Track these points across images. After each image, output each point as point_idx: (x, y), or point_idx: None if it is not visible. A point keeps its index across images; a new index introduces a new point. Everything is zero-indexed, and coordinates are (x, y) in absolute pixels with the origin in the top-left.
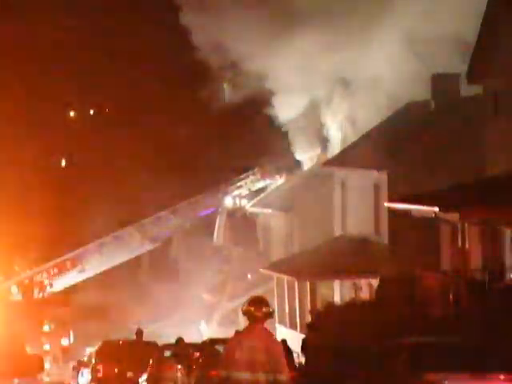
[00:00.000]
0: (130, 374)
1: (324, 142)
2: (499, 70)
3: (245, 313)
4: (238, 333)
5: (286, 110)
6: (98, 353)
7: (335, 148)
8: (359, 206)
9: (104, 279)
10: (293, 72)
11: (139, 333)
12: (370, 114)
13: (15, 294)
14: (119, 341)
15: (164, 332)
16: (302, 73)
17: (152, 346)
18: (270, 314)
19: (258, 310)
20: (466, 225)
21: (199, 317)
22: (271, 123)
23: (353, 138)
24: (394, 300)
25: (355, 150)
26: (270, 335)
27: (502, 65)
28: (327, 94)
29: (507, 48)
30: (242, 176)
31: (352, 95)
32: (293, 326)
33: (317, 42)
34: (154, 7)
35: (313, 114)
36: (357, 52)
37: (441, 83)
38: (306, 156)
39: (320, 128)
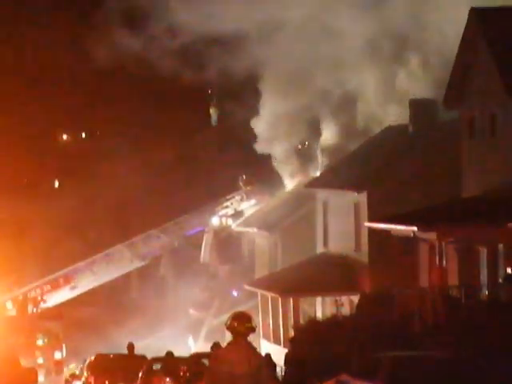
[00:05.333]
0: None
1: (306, 163)
2: (474, 96)
3: (228, 328)
4: (219, 346)
5: (269, 132)
6: (90, 366)
7: (317, 169)
8: (340, 225)
9: (96, 295)
10: (276, 94)
11: (130, 346)
12: (351, 136)
13: (10, 309)
14: (110, 354)
15: (153, 346)
16: (285, 94)
17: (142, 359)
18: (253, 329)
19: (240, 324)
20: (444, 243)
21: (187, 332)
22: (256, 145)
23: (334, 159)
24: (374, 316)
25: (336, 171)
26: (253, 349)
27: (477, 91)
28: (310, 116)
29: (481, 75)
30: (228, 196)
31: (334, 117)
32: (276, 341)
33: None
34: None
35: (296, 136)
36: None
37: (419, 108)
38: (289, 177)
39: (303, 149)
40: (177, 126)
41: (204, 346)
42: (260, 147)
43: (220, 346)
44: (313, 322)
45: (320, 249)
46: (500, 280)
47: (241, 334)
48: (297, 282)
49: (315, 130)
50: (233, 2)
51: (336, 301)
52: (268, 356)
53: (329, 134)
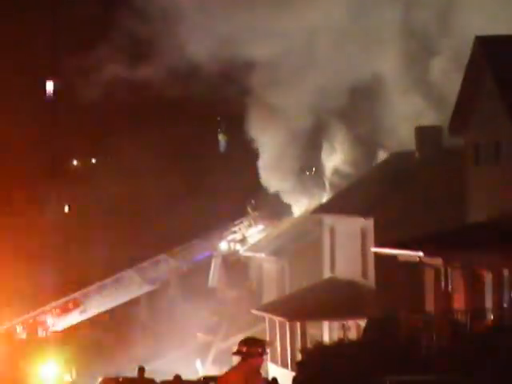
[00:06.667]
0: None
1: (314, 189)
2: (479, 123)
3: (236, 353)
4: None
5: (275, 161)
6: None
7: (324, 195)
8: (347, 251)
9: (104, 318)
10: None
11: (141, 370)
12: (358, 162)
13: (20, 332)
14: (119, 377)
15: (161, 369)
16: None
17: (150, 382)
18: (252, 353)
19: (247, 348)
20: (449, 269)
21: (195, 355)
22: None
23: (341, 185)
24: (381, 340)
25: (343, 197)
26: (253, 370)
27: (481, 118)
28: (317, 142)
29: (486, 103)
30: (236, 221)
31: (340, 143)
32: (284, 365)
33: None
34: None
35: (303, 161)
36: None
37: (424, 135)
38: (297, 203)
39: (310, 175)
40: (186, 152)
41: (211, 370)
42: (265, 175)
43: None
44: (320, 345)
45: (327, 274)
46: (505, 305)
47: (243, 357)
48: (304, 306)
49: (321, 149)
50: (243, 24)
51: (343, 325)
52: (275, 380)
53: (340, 157)
